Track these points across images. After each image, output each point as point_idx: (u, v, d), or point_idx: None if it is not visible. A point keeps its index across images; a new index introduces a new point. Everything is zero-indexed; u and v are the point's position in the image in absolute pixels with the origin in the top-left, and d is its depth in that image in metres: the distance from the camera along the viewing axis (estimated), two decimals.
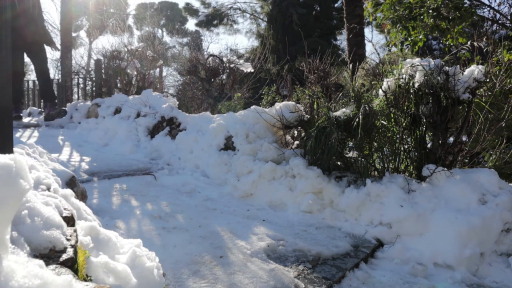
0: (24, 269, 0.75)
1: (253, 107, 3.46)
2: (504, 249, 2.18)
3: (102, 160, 3.71)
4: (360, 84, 3.05)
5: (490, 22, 6.52)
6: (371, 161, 2.75)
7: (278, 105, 3.28)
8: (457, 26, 5.31)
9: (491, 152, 2.85)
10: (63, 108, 5.47)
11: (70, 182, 1.94)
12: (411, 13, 5.54)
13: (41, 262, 0.84)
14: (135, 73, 6.73)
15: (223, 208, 2.58)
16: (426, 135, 2.70)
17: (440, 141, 2.63)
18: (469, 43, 5.37)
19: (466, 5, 5.30)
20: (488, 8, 6.39)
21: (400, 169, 2.73)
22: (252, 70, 5.92)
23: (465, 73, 2.54)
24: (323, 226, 2.37)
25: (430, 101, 2.62)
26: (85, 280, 1.00)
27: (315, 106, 3.23)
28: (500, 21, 6.23)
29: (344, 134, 2.75)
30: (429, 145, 2.70)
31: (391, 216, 2.28)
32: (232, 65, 5.76)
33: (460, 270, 1.97)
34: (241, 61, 6.02)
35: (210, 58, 5.83)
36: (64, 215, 1.13)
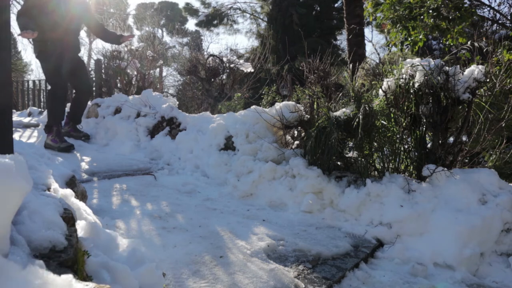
0: (24, 269, 0.75)
1: (253, 107, 3.46)
2: (504, 249, 2.18)
3: (102, 160, 3.71)
4: (360, 84, 3.05)
5: (490, 22, 6.52)
6: (371, 161, 2.75)
7: (278, 105, 3.28)
8: (457, 26, 5.30)
9: (491, 152, 2.84)
10: (87, 133, 4.59)
11: (70, 182, 1.94)
12: (411, 13, 5.53)
13: (41, 262, 0.84)
14: (135, 73, 6.73)
15: (223, 208, 2.58)
16: (426, 135, 2.70)
17: (440, 141, 2.63)
18: (469, 43, 5.36)
19: (466, 5, 5.30)
20: (488, 8, 6.38)
21: (400, 169, 2.73)
22: (252, 70, 5.92)
23: (465, 73, 2.54)
24: (323, 226, 2.37)
25: (430, 101, 2.62)
26: (85, 280, 1.00)
27: (315, 106, 3.23)
28: (500, 21, 6.23)
29: (344, 134, 2.75)
30: (429, 145, 2.70)
31: (391, 216, 2.28)
32: (232, 65, 5.76)
33: (460, 270, 1.97)
34: (241, 61, 6.02)
35: (210, 58, 5.83)
36: (64, 215, 1.13)
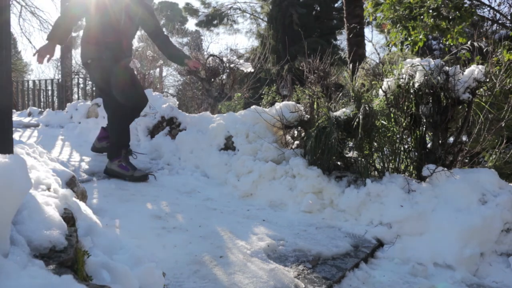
0: (24, 269, 0.75)
1: (253, 107, 3.46)
2: (504, 249, 2.18)
3: (102, 160, 3.70)
4: (360, 84, 3.04)
5: (490, 22, 6.52)
6: (371, 161, 2.75)
7: (278, 105, 3.28)
8: (457, 26, 5.31)
9: (491, 152, 2.84)
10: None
11: (70, 182, 1.94)
12: (411, 13, 5.54)
13: (41, 262, 0.84)
14: (135, 73, 6.72)
15: (223, 208, 2.58)
16: (426, 135, 2.70)
17: (440, 141, 2.63)
18: (469, 43, 5.37)
19: (466, 5, 5.30)
20: (488, 8, 6.39)
21: (400, 169, 2.73)
22: (252, 70, 5.92)
23: (465, 73, 2.54)
24: (323, 226, 2.37)
25: (430, 101, 2.62)
26: (85, 280, 1.00)
27: (315, 106, 3.23)
28: (500, 21, 6.24)
29: (344, 134, 2.75)
30: (429, 145, 2.70)
31: (391, 216, 2.28)
32: (232, 65, 5.76)
33: (460, 270, 1.97)
34: (241, 61, 6.02)
35: (210, 58, 5.83)
36: (64, 215, 1.13)
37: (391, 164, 2.76)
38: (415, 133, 2.64)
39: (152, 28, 3.37)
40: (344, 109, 2.79)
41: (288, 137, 3.34)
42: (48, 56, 2.84)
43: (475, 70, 2.50)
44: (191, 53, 6.16)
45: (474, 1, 5.80)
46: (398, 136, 2.70)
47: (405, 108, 2.66)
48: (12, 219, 0.83)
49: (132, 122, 3.55)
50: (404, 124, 2.67)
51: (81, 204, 1.45)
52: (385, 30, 6.40)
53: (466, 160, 2.81)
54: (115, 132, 3.21)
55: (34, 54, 2.84)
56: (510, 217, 2.22)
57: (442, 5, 5.23)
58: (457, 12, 5.17)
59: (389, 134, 2.73)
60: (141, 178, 3.08)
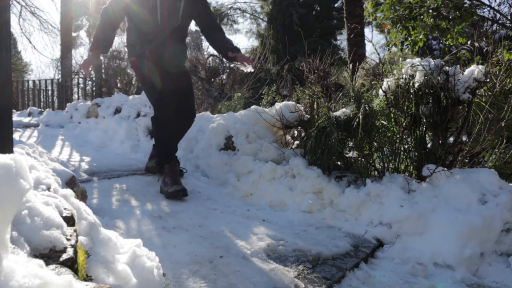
0: (24, 269, 0.75)
1: (253, 107, 3.46)
2: (504, 249, 2.18)
3: (102, 160, 3.71)
4: (360, 84, 3.05)
5: (490, 22, 6.52)
6: (371, 161, 2.75)
7: (278, 105, 3.28)
8: (457, 26, 5.31)
9: (491, 152, 2.84)
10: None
11: (70, 182, 1.94)
12: (411, 13, 5.54)
13: (41, 262, 0.84)
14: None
15: (223, 208, 2.58)
16: (426, 135, 2.70)
17: (440, 141, 2.63)
18: (469, 43, 5.37)
19: (466, 5, 5.30)
20: (488, 8, 6.39)
21: (400, 169, 2.73)
22: (252, 70, 5.92)
23: (465, 73, 2.54)
24: (323, 226, 2.37)
25: (430, 101, 2.62)
26: (85, 280, 1.00)
27: (315, 106, 3.24)
28: (500, 21, 6.24)
29: (344, 134, 2.75)
30: (429, 145, 2.70)
31: (391, 216, 2.28)
32: (232, 65, 5.76)
33: (460, 270, 1.97)
34: None
35: (210, 58, 5.83)
36: (64, 215, 1.13)
37: (391, 164, 2.76)
38: (415, 133, 2.64)
39: (206, 23, 3.04)
40: (344, 109, 2.79)
41: (288, 137, 3.34)
42: (92, 65, 2.91)
43: (475, 70, 2.50)
44: (191, 53, 6.16)
45: (474, 1, 5.80)
46: (398, 136, 2.70)
47: (405, 108, 2.66)
48: (12, 219, 0.83)
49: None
50: (404, 124, 2.67)
51: (81, 204, 1.45)
52: (385, 30, 6.41)
53: (466, 160, 2.81)
54: (156, 146, 3.11)
55: (79, 69, 3.00)
56: (510, 217, 2.22)
57: (442, 5, 5.23)
58: (457, 12, 5.18)
59: (389, 134, 2.73)
60: (174, 194, 2.66)
